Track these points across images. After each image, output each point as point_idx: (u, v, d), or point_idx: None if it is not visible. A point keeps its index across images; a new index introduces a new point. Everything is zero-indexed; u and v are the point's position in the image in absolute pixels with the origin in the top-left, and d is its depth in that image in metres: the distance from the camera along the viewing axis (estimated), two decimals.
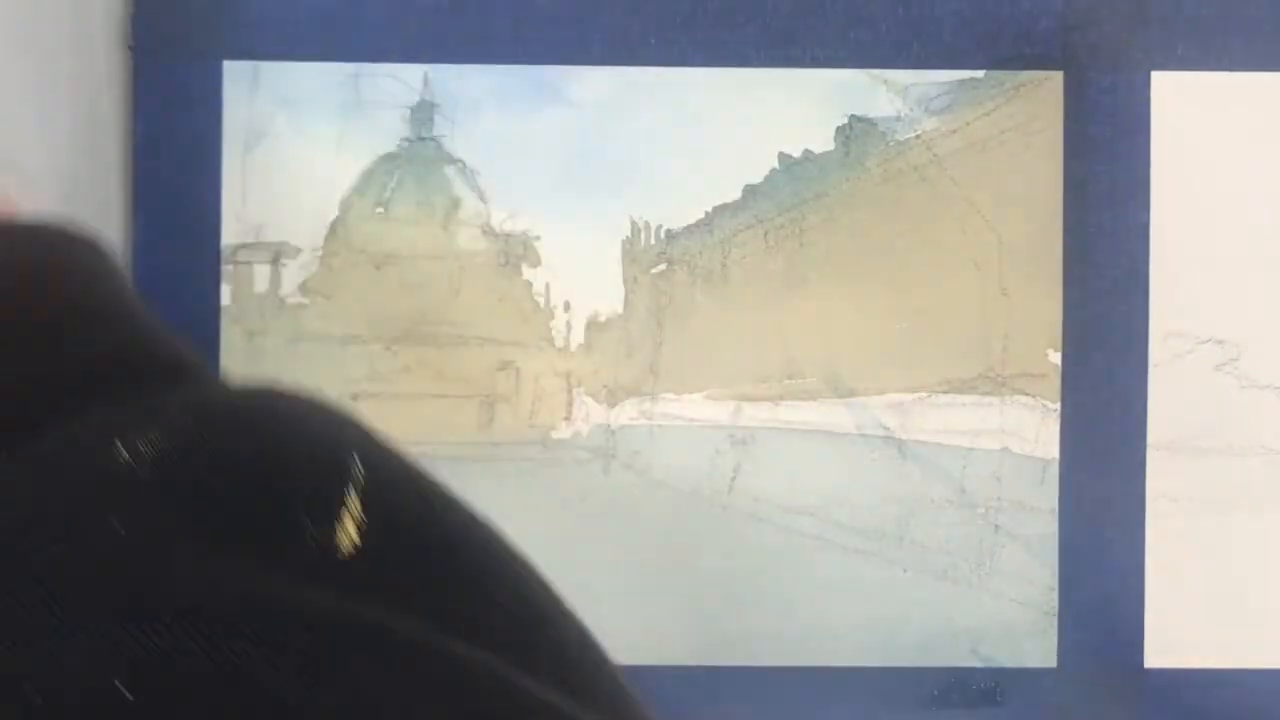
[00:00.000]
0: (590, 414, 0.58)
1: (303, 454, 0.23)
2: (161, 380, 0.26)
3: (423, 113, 0.57)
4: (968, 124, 0.57)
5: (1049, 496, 0.57)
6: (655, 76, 0.57)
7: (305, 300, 0.57)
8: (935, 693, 0.57)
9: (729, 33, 0.57)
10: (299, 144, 0.57)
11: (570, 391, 0.58)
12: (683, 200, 0.57)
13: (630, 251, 0.58)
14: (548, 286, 0.58)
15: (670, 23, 0.57)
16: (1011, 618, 0.57)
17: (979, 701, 0.57)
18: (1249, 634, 0.58)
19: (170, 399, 0.24)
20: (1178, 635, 0.57)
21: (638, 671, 0.57)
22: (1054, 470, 0.57)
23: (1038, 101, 0.57)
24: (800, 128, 0.57)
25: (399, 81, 0.57)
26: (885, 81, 0.57)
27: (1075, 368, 0.57)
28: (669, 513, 0.57)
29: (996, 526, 0.57)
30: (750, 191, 0.57)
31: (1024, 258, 0.57)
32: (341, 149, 0.57)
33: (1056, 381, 0.57)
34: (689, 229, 0.58)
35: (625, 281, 0.58)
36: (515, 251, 0.58)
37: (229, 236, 0.57)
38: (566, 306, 0.58)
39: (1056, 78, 0.57)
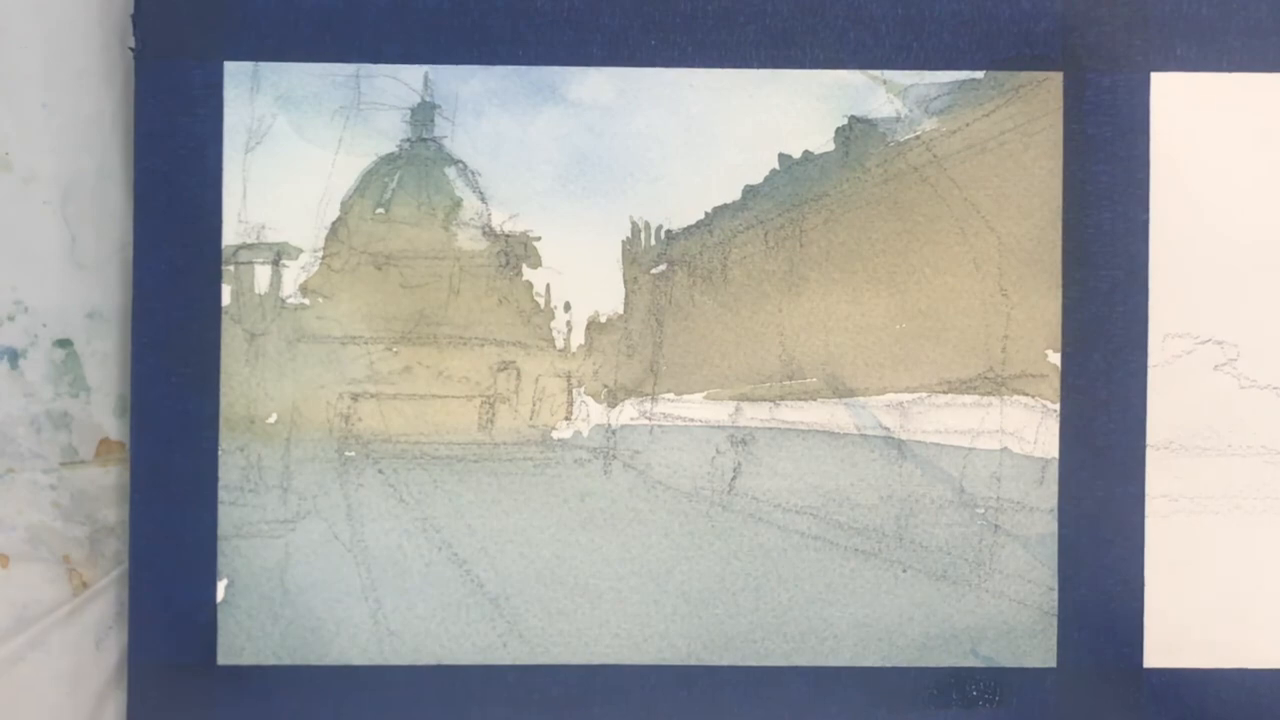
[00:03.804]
0: (590, 414, 0.58)
1: None
2: None
3: (423, 113, 0.57)
4: (967, 125, 0.57)
5: (1048, 496, 0.57)
6: (655, 76, 0.57)
7: (305, 300, 0.57)
8: (934, 693, 0.57)
9: (729, 33, 0.57)
10: (299, 144, 0.57)
11: (570, 391, 0.58)
12: (683, 200, 0.58)
13: (630, 252, 0.58)
14: (548, 287, 0.58)
15: (670, 23, 0.57)
16: (1011, 618, 0.57)
17: (978, 701, 0.57)
18: (1249, 634, 0.58)
19: None
20: (1177, 635, 0.57)
21: (638, 671, 0.57)
22: (1053, 470, 0.57)
23: (1038, 102, 0.57)
24: (800, 128, 0.57)
25: (399, 82, 0.57)
26: (885, 82, 0.57)
27: (1075, 368, 0.57)
28: (669, 513, 0.58)
29: (996, 526, 0.57)
30: (750, 192, 0.58)
31: (1024, 258, 0.57)
32: (341, 149, 0.57)
33: (1056, 381, 0.57)
34: (689, 229, 0.58)
35: (625, 282, 0.58)
36: (515, 252, 0.58)
37: (229, 236, 0.57)
38: (567, 307, 0.58)
39: (1056, 78, 0.57)
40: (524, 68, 0.57)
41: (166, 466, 0.57)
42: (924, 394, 0.57)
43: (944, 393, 0.57)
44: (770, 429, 0.58)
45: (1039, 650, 0.57)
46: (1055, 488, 0.57)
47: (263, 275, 0.57)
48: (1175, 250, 0.57)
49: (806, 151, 0.58)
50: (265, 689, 0.57)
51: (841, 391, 0.58)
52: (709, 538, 0.58)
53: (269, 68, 0.57)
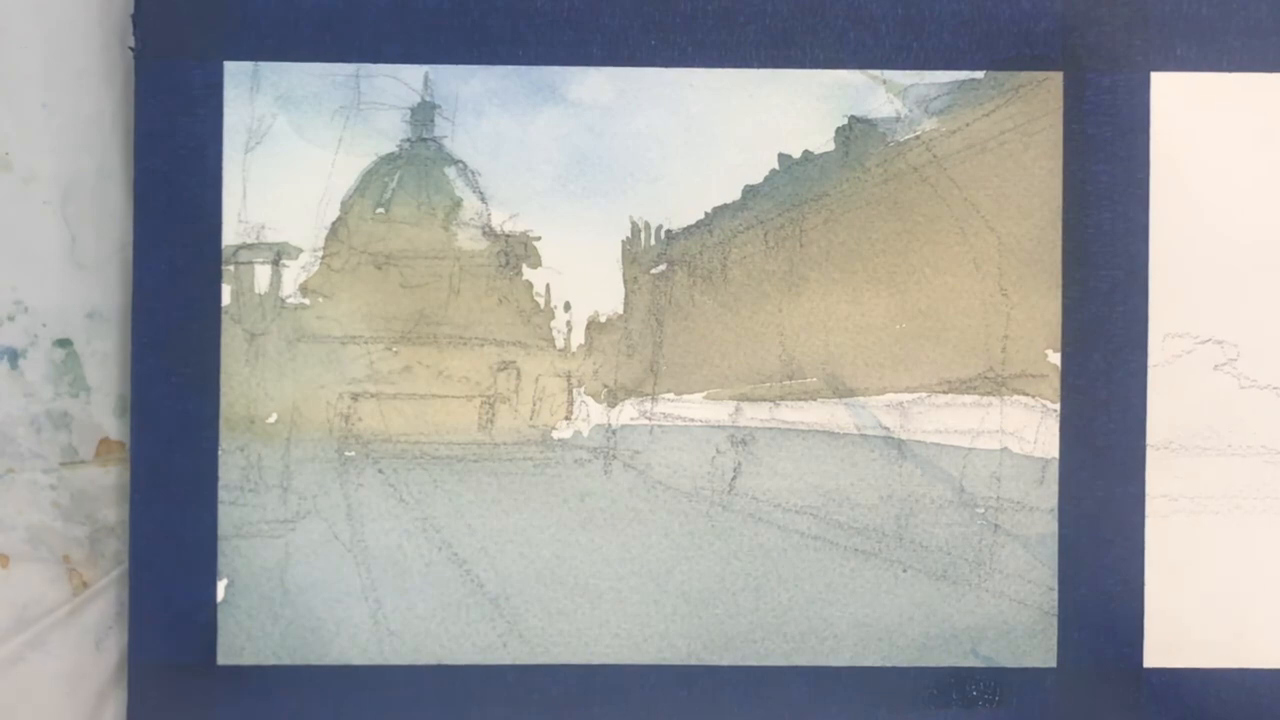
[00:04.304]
0: (590, 414, 0.58)
1: None
2: None
3: (423, 113, 0.57)
4: (967, 124, 0.57)
5: (1048, 496, 0.57)
6: (655, 76, 0.57)
7: (305, 300, 0.57)
8: (934, 693, 0.57)
9: (729, 33, 0.57)
10: (299, 144, 0.57)
11: (570, 391, 0.58)
12: (683, 200, 0.58)
13: (630, 252, 0.58)
14: (548, 287, 0.58)
15: (670, 23, 0.57)
16: (1011, 618, 0.57)
17: (978, 701, 0.57)
18: (1249, 634, 0.58)
19: None
20: (1177, 635, 0.57)
21: (638, 671, 0.57)
22: (1053, 470, 0.57)
23: (1038, 102, 0.57)
24: (800, 128, 0.57)
25: (399, 82, 0.57)
26: (885, 82, 0.57)
27: (1075, 368, 0.57)
28: (669, 513, 0.58)
29: (996, 526, 0.57)
30: (750, 191, 0.58)
31: (1024, 258, 0.57)
32: (341, 149, 0.57)
33: (1056, 381, 0.57)
34: (689, 229, 0.58)
35: (625, 281, 0.58)
36: (515, 252, 0.58)
37: (229, 236, 0.57)
38: (567, 306, 0.58)
39: (1056, 78, 0.57)
40: (524, 68, 0.57)
41: (166, 466, 0.57)
42: (924, 394, 0.57)
43: (944, 393, 0.57)
44: (770, 429, 0.58)
45: (1039, 650, 0.57)
46: (1055, 488, 0.57)
47: (263, 275, 0.57)
48: (1175, 250, 0.57)
49: (806, 151, 0.58)
50: (265, 689, 0.57)
51: (841, 391, 0.58)
52: (709, 538, 0.58)
53: (269, 68, 0.57)
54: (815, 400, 0.58)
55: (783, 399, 0.58)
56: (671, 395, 0.58)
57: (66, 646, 0.59)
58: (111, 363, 0.59)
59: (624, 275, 0.58)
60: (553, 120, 0.57)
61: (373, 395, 0.57)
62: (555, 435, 0.58)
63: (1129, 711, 0.57)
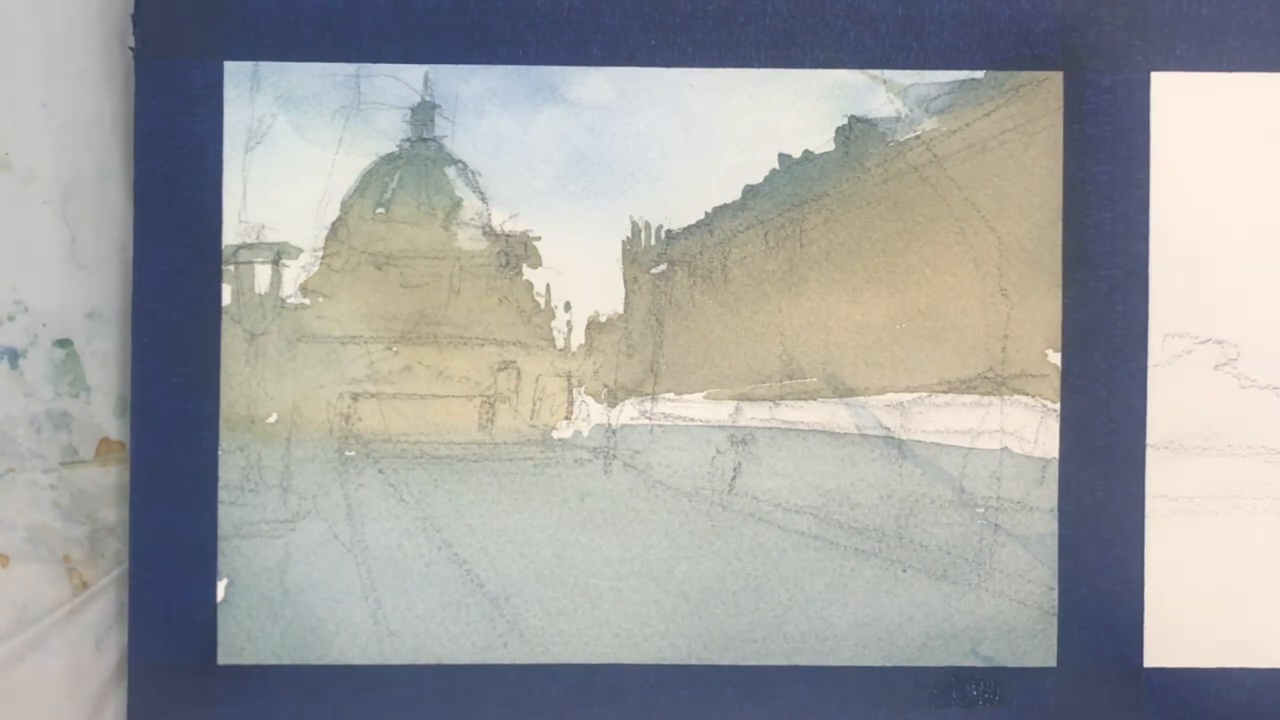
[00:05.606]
0: (590, 414, 0.58)
1: None
2: None
3: (423, 113, 0.57)
4: (968, 124, 0.57)
5: (1048, 496, 0.57)
6: (655, 76, 0.57)
7: (305, 300, 0.57)
8: (934, 693, 0.57)
9: (729, 33, 0.57)
10: (299, 144, 0.57)
11: (570, 391, 0.58)
12: (683, 200, 0.58)
13: (630, 251, 0.58)
14: (548, 287, 0.58)
15: (670, 23, 0.57)
16: (1011, 617, 0.57)
17: (978, 701, 0.57)
18: (1249, 634, 0.58)
19: None
20: (1177, 635, 0.57)
21: (638, 671, 0.57)
22: (1053, 470, 0.57)
23: (1038, 102, 0.57)
24: (800, 128, 0.57)
25: (399, 81, 0.57)
26: (885, 82, 0.57)
27: (1075, 368, 0.57)
28: (669, 513, 0.58)
29: (996, 526, 0.57)
30: (750, 191, 0.58)
31: (1024, 258, 0.57)
32: (341, 149, 0.57)
33: (1056, 381, 0.57)
34: (689, 229, 0.58)
35: (625, 281, 0.58)
36: (516, 252, 0.58)
37: (229, 236, 0.57)
38: (567, 306, 0.58)
39: (1056, 78, 0.57)
40: (524, 68, 0.57)
41: (166, 466, 0.57)
42: (924, 394, 0.57)
43: (944, 392, 0.58)
44: (770, 429, 0.58)
45: (1039, 650, 0.57)
46: (1055, 488, 0.57)
47: (263, 275, 0.57)
48: (1175, 250, 0.57)
49: (806, 151, 0.58)
50: (265, 689, 0.57)
51: (841, 391, 0.58)
52: (709, 538, 0.58)
53: (269, 68, 0.57)
54: (815, 400, 0.58)
55: (783, 399, 0.58)
56: (671, 395, 0.58)
57: (66, 646, 0.59)
58: (111, 363, 0.59)
59: (624, 275, 0.58)
60: (553, 120, 0.57)
61: (373, 395, 0.57)
62: (555, 435, 0.58)
63: (1129, 711, 0.57)
